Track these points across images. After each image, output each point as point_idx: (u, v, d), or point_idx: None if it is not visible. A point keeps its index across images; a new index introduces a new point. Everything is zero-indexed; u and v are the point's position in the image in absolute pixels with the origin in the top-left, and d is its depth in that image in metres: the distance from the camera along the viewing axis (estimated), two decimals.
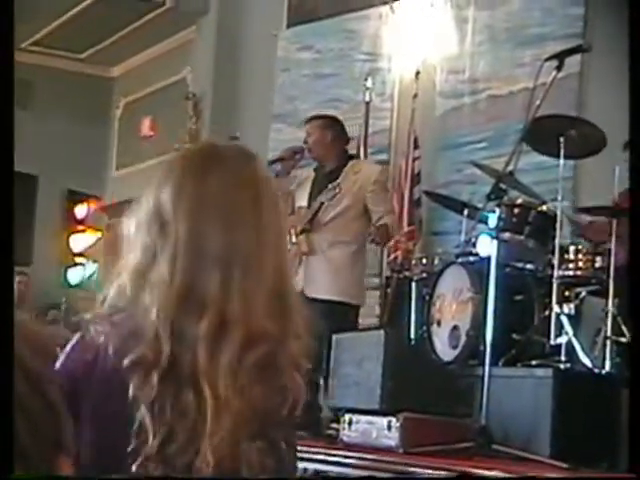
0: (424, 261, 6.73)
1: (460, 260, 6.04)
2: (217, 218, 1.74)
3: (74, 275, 11.07)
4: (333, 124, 6.71)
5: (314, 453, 4.84)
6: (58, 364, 1.75)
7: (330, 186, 6.21)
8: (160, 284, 1.72)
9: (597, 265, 5.53)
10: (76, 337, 1.86)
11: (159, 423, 1.70)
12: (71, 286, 11.03)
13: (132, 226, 1.81)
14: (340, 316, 6.23)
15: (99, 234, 11.82)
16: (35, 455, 0.85)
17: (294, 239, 6.40)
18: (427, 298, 6.14)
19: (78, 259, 11.16)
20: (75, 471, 1.02)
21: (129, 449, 1.69)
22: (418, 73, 8.26)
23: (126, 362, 1.70)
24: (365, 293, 6.62)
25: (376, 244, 6.73)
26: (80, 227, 11.56)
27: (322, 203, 6.30)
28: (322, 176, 6.56)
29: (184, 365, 1.71)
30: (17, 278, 10.67)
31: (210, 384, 1.70)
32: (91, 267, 11.48)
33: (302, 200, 6.56)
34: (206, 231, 1.73)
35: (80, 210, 11.73)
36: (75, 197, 11.99)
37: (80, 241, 11.45)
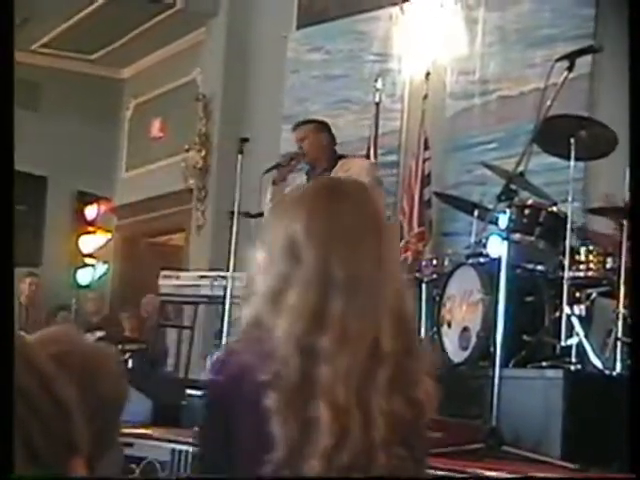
0: (434, 262, 6.72)
1: (470, 261, 6.03)
2: (344, 248, 1.92)
3: (84, 276, 11.08)
4: (325, 127, 6.74)
5: None
6: (210, 377, 2.02)
7: None
8: (292, 308, 1.90)
9: (608, 266, 5.52)
10: (222, 355, 2.09)
11: (289, 432, 1.89)
12: (81, 287, 11.04)
13: (264, 255, 2.02)
14: None
15: (109, 235, 11.84)
16: (48, 456, 0.84)
17: None
18: (437, 299, 6.13)
19: (88, 260, 11.17)
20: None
21: (264, 456, 1.88)
22: (428, 74, 8.25)
23: (263, 377, 1.89)
24: None
25: None
26: (90, 228, 11.57)
27: None
28: (312, 179, 6.56)
29: (315, 380, 1.88)
30: (27, 279, 10.69)
31: (339, 399, 1.87)
32: (101, 268, 11.49)
33: None
34: (334, 260, 1.91)
35: (90, 211, 11.74)
36: (85, 198, 12.00)
37: (90, 242, 11.46)
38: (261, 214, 6.88)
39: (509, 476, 4.14)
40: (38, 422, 0.84)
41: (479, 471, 4.21)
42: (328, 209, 1.97)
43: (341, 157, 6.66)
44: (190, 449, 5.50)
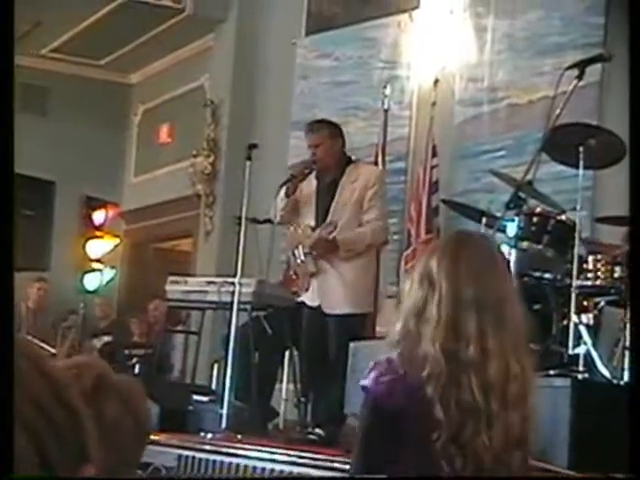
0: None
1: None
2: (468, 278, 2.51)
3: (91, 281, 11.09)
4: (339, 132, 6.64)
5: (330, 461, 4.82)
6: (374, 383, 2.60)
7: (328, 221, 6.22)
8: (432, 321, 2.47)
9: (616, 275, 5.50)
10: (382, 363, 2.64)
11: (449, 418, 2.43)
12: (88, 292, 11.05)
13: (409, 283, 2.60)
14: (357, 327, 6.26)
15: (116, 240, 11.84)
16: (60, 463, 0.84)
17: (302, 257, 6.36)
18: None
19: (95, 265, 11.17)
20: None
21: (433, 437, 2.43)
22: (437, 81, 8.25)
23: (423, 375, 2.46)
24: (373, 299, 6.57)
25: (317, 254, 6.36)
26: (98, 233, 11.57)
27: (325, 237, 6.29)
28: (323, 188, 6.51)
29: (461, 379, 2.45)
30: (36, 284, 10.70)
31: (482, 396, 2.43)
32: (108, 273, 11.49)
33: (309, 217, 6.50)
34: (461, 286, 2.50)
35: (98, 216, 11.74)
36: (93, 203, 12.00)
37: (97, 247, 11.46)
38: (269, 220, 6.86)
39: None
40: (50, 429, 0.84)
41: None
42: (454, 251, 2.59)
43: (349, 162, 6.61)
44: (196, 455, 5.50)
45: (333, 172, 6.49)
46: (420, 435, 2.47)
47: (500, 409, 2.42)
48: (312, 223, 6.46)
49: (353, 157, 6.77)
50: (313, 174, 6.55)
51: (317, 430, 6.09)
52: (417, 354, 2.48)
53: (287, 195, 6.50)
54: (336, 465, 4.78)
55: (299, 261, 6.42)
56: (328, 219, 6.35)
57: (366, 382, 2.62)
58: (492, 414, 2.43)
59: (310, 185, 6.56)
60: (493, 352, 2.44)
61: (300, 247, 6.40)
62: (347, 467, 4.71)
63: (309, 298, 6.38)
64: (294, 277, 6.52)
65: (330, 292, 6.29)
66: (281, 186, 6.55)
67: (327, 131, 6.58)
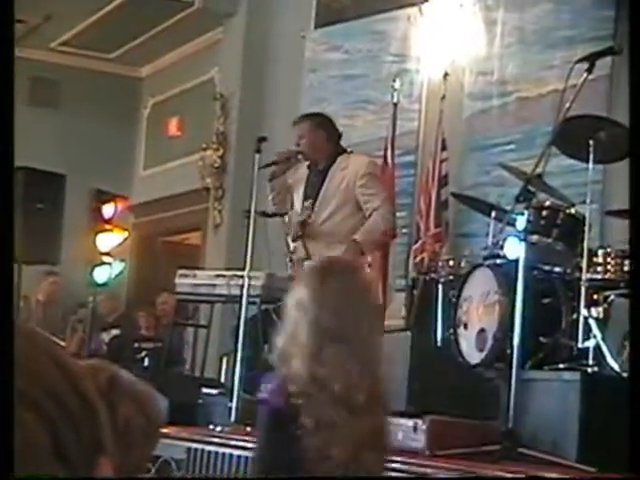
0: (451, 263, 6.71)
1: (487, 262, 6.01)
2: (329, 308, 2.82)
3: (101, 274, 11.10)
4: (324, 122, 6.63)
5: None
6: (273, 395, 2.88)
7: (306, 204, 6.22)
8: (299, 344, 2.81)
9: (626, 268, 5.50)
10: (278, 378, 2.92)
11: (312, 427, 2.78)
12: (98, 285, 11.07)
13: (289, 307, 2.91)
14: None
15: (126, 233, 11.85)
16: (75, 455, 0.85)
17: (291, 246, 6.38)
18: (454, 300, 6.12)
19: (105, 258, 11.19)
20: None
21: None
22: (446, 75, 8.24)
23: (292, 390, 2.85)
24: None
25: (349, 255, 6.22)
26: (107, 226, 11.58)
27: (304, 220, 6.30)
28: (314, 176, 6.53)
29: (319, 395, 2.81)
30: (50, 278, 10.73)
31: (335, 409, 2.80)
32: (117, 266, 11.51)
33: (298, 204, 6.55)
34: (323, 315, 2.81)
35: (107, 209, 11.75)
36: (103, 196, 12.02)
37: (107, 240, 11.47)
38: (277, 214, 6.87)
39: (517, 476, 4.13)
40: (67, 419, 0.85)
41: (497, 473, 4.20)
42: (318, 283, 2.90)
43: (343, 152, 6.60)
44: (205, 447, 5.51)
45: (324, 161, 6.49)
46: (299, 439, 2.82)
47: (350, 418, 2.76)
48: (299, 210, 6.49)
49: (349, 149, 6.76)
50: (305, 164, 6.58)
51: None
52: (289, 371, 2.84)
53: (270, 179, 6.54)
54: None
55: (291, 248, 6.45)
56: (316, 206, 6.36)
57: (265, 395, 2.92)
58: (344, 424, 2.78)
59: (302, 173, 6.60)
60: (342, 375, 2.77)
61: (289, 235, 6.43)
62: None
63: None
64: (291, 266, 6.56)
65: None
66: (260, 168, 6.59)
67: (309, 122, 6.61)
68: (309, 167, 6.61)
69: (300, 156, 6.55)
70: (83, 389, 0.87)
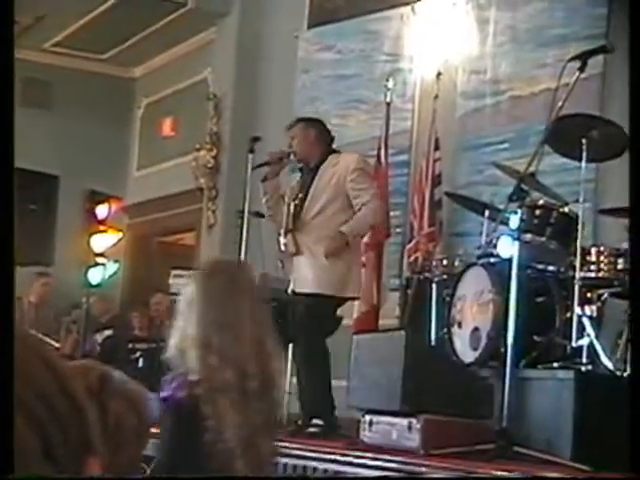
0: (445, 262, 6.72)
1: (481, 261, 6.02)
2: (212, 303, 3.06)
3: (95, 275, 11.09)
4: (315, 123, 6.69)
5: (334, 454, 4.83)
6: (175, 392, 3.01)
7: (295, 201, 6.28)
8: (189, 338, 3.03)
9: (619, 267, 5.50)
10: (179, 375, 3.07)
11: (210, 414, 2.95)
12: (92, 286, 11.05)
13: (180, 306, 3.13)
14: (324, 309, 6.25)
15: (120, 234, 11.84)
16: (64, 455, 0.85)
17: (282, 241, 6.40)
18: (448, 299, 6.13)
19: (99, 259, 11.17)
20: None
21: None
22: (439, 74, 8.24)
23: (191, 380, 3.06)
24: (351, 285, 6.49)
25: (326, 255, 6.26)
26: (101, 227, 11.57)
27: (289, 204, 6.35)
28: (305, 175, 6.56)
29: (212, 383, 2.98)
30: (42, 279, 10.71)
31: (227, 394, 2.97)
32: (111, 267, 11.49)
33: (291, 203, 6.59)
34: (207, 309, 3.05)
35: (101, 210, 11.74)
36: (96, 197, 12.00)
37: (101, 241, 11.46)
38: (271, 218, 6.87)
39: (517, 476, 4.14)
40: (54, 420, 0.85)
41: (491, 472, 4.20)
42: (205, 278, 3.18)
43: (334, 152, 6.63)
44: None
45: (314, 161, 6.52)
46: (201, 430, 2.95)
47: (243, 403, 2.94)
48: (291, 207, 6.51)
49: (341, 149, 6.79)
50: (297, 169, 6.64)
51: (314, 421, 6.11)
52: (185, 365, 3.02)
53: (262, 180, 6.57)
54: (337, 458, 4.78)
55: (282, 247, 6.46)
56: (307, 200, 6.38)
57: (166, 393, 3.04)
58: (237, 409, 2.95)
59: (296, 178, 6.64)
60: (231, 360, 2.94)
61: (281, 231, 6.44)
62: (349, 460, 4.73)
63: (290, 287, 6.43)
64: (281, 266, 6.58)
65: (302, 269, 6.31)
66: (253, 169, 6.63)
67: (300, 123, 6.68)
68: (300, 170, 6.64)
69: (292, 156, 6.57)
70: (71, 390, 0.87)
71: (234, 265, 3.54)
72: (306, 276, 6.29)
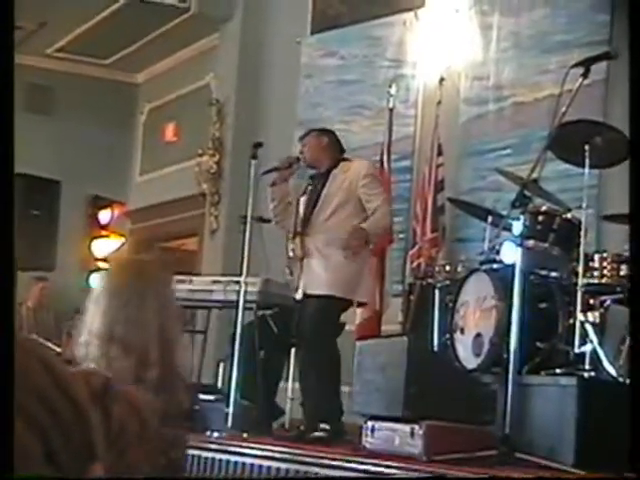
0: (447, 268, 6.71)
1: (484, 267, 6.02)
2: (112, 297, 3.12)
3: (97, 280, 11.09)
4: (328, 133, 6.77)
5: (336, 460, 4.83)
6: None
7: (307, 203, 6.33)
8: (94, 332, 3.05)
9: (622, 273, 5.50)
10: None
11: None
12: None
13: (88, 304, 3.15)
14: (334, 311, 6.26)
15: (122, 239, 11.85)
16: (66, 461, 0.84)
17: (291, 245, 6.42)
18: (450, 305, 6.12)
19: (101, 264, 11.18)
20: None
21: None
22: (442, 80, 8.24)
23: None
24: (361, 289, 6.51)
25: (344, 248, 6.27)
26: (103, 232, 11.59)
27: (298, 208, 6.37)
28: (316, 181, 6.58)
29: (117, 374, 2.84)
30: (40, 284, 10.71)
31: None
32: None
33: (300, 207, 6.61)
34: (109, 304, 3.09)
35: (104, 215, 11.76)
36: (99, 202, 12.03)
37: (103, 246, 11.47)
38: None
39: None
40: (57, 426, 0.84)
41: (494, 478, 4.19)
42: (108, 276, 3.28)
43: (344, 160, 6.65)
44: (202, 454, 5.51)
45: (324, 167, 6.55)
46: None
47: (142, 392, 2.89)
48: (300, 211, 6.52)
49: (351, 157, 6.80)
50: (307, 176, 6.66)
51: (322, 426, 6.10)
52: (89, 358, 3.03)
53: (271, 184, 6.59)
54: (341, 464, 4.78)
55: (291, 253, 6.46)
56: (318, 205, 6.40)
57: None
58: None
59: (306, 185, 6.65)
60: (132, 348, 2.97)
61: (290, 236, 6.46)
62: (351, 466, 4.73)
63: (297, 293, 6.41)
64: (288, 273, 6.58)
65: (313, 271, 6.31)
66: (263, 174, 6.65)
67: (314, 132, 6.79)
68: (311, 177, 6.66)
69: (302, 162, 6.60)
70: (74, 394, 0.86)
71: (140, 260, 3.62)
72: (319, 277, 6.29)
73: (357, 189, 6.38)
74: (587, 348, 5.31)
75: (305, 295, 6.32)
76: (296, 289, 6.41)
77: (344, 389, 6.13)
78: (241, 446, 5.46)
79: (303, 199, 6.57)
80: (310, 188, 6.59)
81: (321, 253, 6.35)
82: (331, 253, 6.31)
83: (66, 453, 0.85)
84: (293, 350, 7.20)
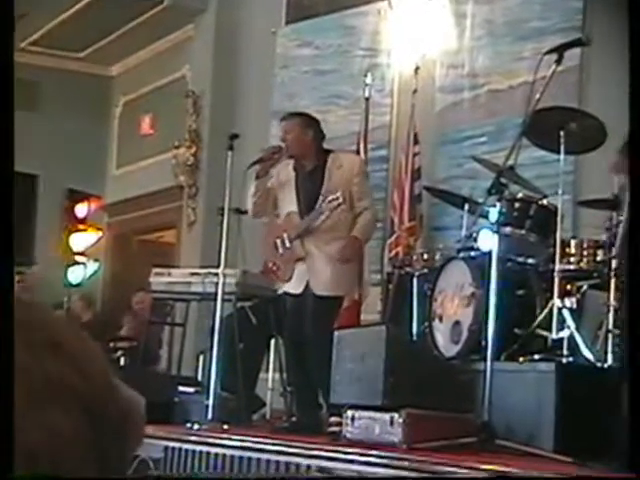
0: (425, 257, 6.73)
1: (461, 255, 6.04)
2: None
3: (75, 274, 11.06)
4: (312, 122, 6.61)
5: (317, 450, 4.83)
6: None
7: (331, 197, 6.17)
8: None
9: (598, 258, 5.53)
10: None
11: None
12: (72, 285, 11.03)
13: None
14: (335, 309, 6.31)
15: (100, 233, 11.82)
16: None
17: (287, 244, 6.37)
18: (428, 293, 6.14)
19: (79, 258, 11.15)
20: None
21: None
22: (417, 68, 8.25)
23: None
24: (356, 286, 6.58)
25: (342, 260, 6.31)
26: (81, 226, 11.55)
27: (322, 213, 6.26)
28: (304, 176, 6.46)
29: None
30: (16, 278, 10.67)
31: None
32: (92, 266, 11.47)
33: (291, 205, 6.46)
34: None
35: (81, 209, 11.72)
36: (75, 196, 11.98)
37: (81, 240, 11.44)
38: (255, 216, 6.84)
39: (503, 469, 4.14)
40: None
41: (473, 465, 4.21)
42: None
43: (328, 151, 6.58)
44: (183, 446, 5.51)
45: (312, 160, 6.45)
46: None
47: None
48: (295, 210, 6.43)
49: (332, 148, 6.75)
50: (290, 165, 6.53)
51: (302, 418, 6.12)
52: None
53: (256, 177, 6.52)
54: (321, 454, 4.78)
55: (281, 250, 6.42)
56: (317, 204, 6.32)
57: None
58: None
59: (287, 175, 6.52)
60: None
61: (285, 235, 6.40)
62: (334, 455, 4.74)
63: (293, 286, 6.37)
64: (274, 268, 6.52)
65: (320, 271, 6.28)
66: (249, 167, 6.56)
67: (299, 119, 6.59)
68: (295, 169, 6.53)
69: (284, 151, 6.49)
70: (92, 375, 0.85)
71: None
72: (325, 277, 6.28)
73: (351, 186, 6.37)
74: (565, 334, 5.34)
75: (313, 295, 6.27)
76: (293, 285, 6.36)
77: None
78: (221, 437, 5.46)
79: (293, 195, 6.46)
80: (302, 183, 6.46)
81: (322, 252, 6.32)
82: (333, 252, 6.29)
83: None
84: (272, 341, 7.21)
